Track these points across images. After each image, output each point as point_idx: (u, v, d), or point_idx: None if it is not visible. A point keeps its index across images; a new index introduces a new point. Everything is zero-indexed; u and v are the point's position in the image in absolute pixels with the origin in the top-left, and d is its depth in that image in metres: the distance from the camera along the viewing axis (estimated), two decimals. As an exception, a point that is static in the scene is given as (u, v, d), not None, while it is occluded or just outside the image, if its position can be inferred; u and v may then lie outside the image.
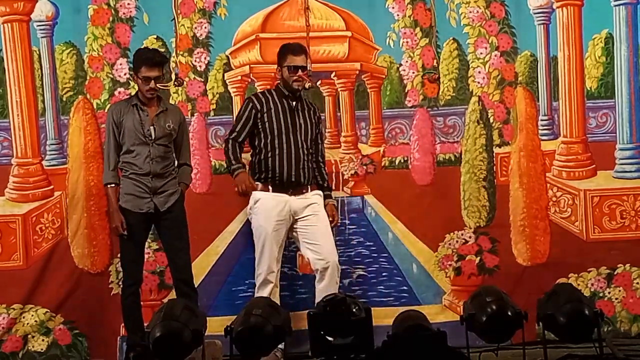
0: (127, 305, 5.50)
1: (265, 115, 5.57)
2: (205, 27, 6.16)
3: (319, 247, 5.58)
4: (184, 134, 5.68)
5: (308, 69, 5.61)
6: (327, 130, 6.28)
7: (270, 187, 5.58)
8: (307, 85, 5.60)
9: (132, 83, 5.93)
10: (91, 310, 6.03)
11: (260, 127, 5.58)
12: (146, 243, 5.85)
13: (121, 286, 5.66)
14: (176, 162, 5.63)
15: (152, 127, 5.45)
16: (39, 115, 6.05)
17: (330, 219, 5.70)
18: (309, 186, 5.66)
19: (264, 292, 5.51)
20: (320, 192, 5.74)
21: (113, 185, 5.48)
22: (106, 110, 5.78)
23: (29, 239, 6.03)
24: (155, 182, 5.46)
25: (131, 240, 5.47)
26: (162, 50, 6.02)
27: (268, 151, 5.57)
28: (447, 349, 4.52)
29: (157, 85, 5.45)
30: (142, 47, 5.90)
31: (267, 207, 5.56)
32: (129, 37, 6.09)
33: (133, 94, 5.71)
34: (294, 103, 5.63)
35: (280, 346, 5.06)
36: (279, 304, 5.48)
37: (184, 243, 5.56)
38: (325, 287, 5.47)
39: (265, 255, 5.55)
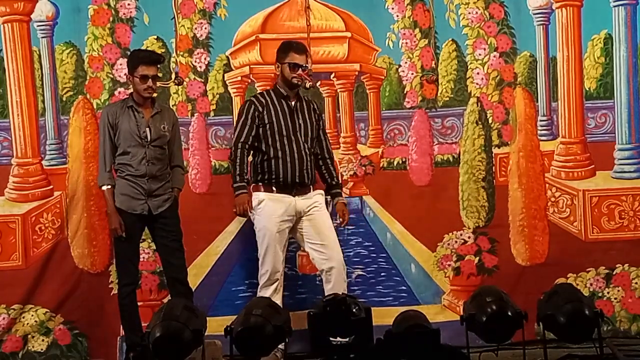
0: (125, 305, 5.51)
1: (266, 116, 5.56)
2: (206, 28, 6.17)
3: (324, 247, 5.59)
4: (177, 135, 5.69)
5: (309, 68, 5.61)
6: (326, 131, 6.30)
7: (274, 189, 5.57)
8: (307, 85, 5.60)
9: (132, 83, 5.94)
10: (91, 310, 6.03)
11: (261, 129, 5.57)
12: (145, 243, 5.89)
13: (117, 286, 5.66)
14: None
15: (147, 129, 5.46)
16: (39, 115, 6.05)
17: (341, 219, 5.70)
18: (311, 186, 5.65)
19: (267, 292, 5.52)
20: (322, 192, 5.72)
21: (109, 187, 5.48)
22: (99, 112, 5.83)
23: (28, 238, 6.03)
24: (150, 185, 5.47)
25: (127, 240, 5.47)
26: (162, 50, 6.05)
27: (270, 153, 5.55)
28: (440, 345, 4.54)
29: (155, 84, 5.46)
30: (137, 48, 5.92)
31: (271, 208, 5.54)
32: (129, 38, 6.10)
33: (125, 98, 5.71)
34: (293, 103, 5.63)
35: (280, 346, 5.06)
36: (282, 304, 5.51)
37: (178, 245, 5.58)
38: (333, 288, 5.46)
39: (269, 256, 5.54)
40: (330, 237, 5.61)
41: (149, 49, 5.93)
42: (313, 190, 5.67)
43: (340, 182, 5.83)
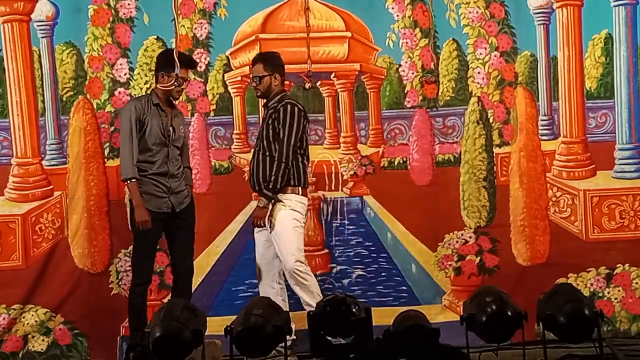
0: (136, 304, 5.48)
1: None
2: (206, 28, 6.18)
3: None
4: (186, 136, 5.76)
5: (308, 69, 5.61)
6: (326, 131, 6.32)
7: None
8: (307, 86, 5.61)
9: (132, 83, 5.94)
10: (91, 310, 6.03)
11: None
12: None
13: (130, 284, 5.68)
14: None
15: (171, 128, 5.49)
16: (39, 115, 6.06)
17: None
18: (266, 192, 5.46)
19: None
20: (281, 203, 5.48)
21: (135, 180, 5.41)
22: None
23: (28, 238, 6.04)
24: (171, 182, 5.50)
25: (149, 238, 5.47)
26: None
27: None
28: (440, 345, 4.54)
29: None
30: (168, 48, 5.93)
31: None
32: (129, 38, 6.10)
33: (146, 93, 5.74)
34: (264, 111, 5.67)
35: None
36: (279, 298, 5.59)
37: (191, 244, 5.62)
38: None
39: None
40: (264, 254, 5.65)
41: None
42: (271, 198, 5.48)
43: (269, 184, 5.45)
